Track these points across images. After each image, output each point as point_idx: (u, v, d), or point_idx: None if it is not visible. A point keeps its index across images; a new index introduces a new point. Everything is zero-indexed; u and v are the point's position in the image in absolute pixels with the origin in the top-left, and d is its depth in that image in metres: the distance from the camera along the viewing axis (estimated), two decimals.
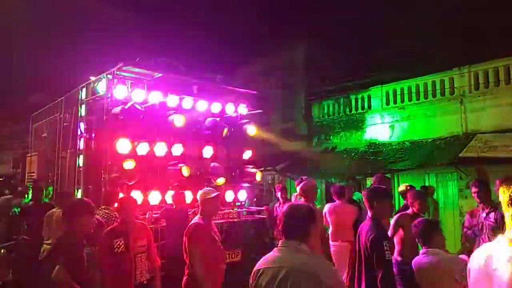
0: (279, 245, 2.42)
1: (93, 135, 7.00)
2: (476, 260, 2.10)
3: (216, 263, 4.01)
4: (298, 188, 5.03)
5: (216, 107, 7.88)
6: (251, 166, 8.59)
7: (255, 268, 2.42)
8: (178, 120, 6.86)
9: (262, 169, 14.92)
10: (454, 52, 12.56)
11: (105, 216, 5.01)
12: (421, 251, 3.39)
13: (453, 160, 10.35)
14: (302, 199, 4.99)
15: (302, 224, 2.39)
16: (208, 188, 4.28)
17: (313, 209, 2.58)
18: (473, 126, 11.31)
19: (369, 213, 3.69)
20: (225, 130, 7.81)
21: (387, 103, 13.50)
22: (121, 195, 6.07)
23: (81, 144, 7.19)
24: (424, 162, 10.96)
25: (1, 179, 30.16)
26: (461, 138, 11.30)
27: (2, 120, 30.72)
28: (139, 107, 6.56)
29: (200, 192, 4.18)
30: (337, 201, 6.74)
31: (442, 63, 12.33)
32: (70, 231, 3.53)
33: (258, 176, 8.47)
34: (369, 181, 12.77)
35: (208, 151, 7.71)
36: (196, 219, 4.08)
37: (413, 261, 3.40)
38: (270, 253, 2.44)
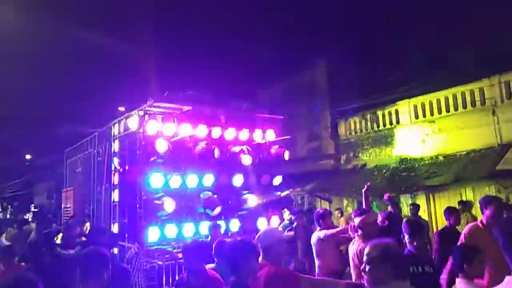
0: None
1: (126, 169, 7.16)
2: None
3: None
4: (356, 221, 4.56)
5: (244, 135, 7.94)
6: (281, 191, 8.59)
7: None
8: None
9: (291, 190, 14.89)
10: (482, 61, 12.26)
11: None
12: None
13: (491, 173, 9.99)
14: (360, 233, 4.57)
15: None
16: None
17: None
18: (508, 137, 10.91)
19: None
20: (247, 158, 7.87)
21: (416, 117, 13.25)
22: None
23: (116, 178, 7.35)
24: (461, 177, 10.62)
25: (36, 210, 31.24)
26: (496, 150, 10.92)
27: (36, 154, 31.96)
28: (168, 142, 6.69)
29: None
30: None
31: (470, 73, 12.05)
32: None
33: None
34: (404, 199, 12.47)
35: (238, 179, 7.72)
36: None
37: None
38: None
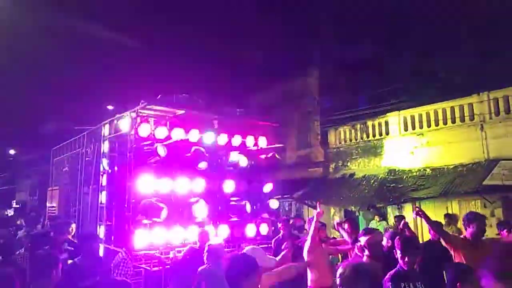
0: None
1: (116, 171, 7.04)
2: None
3: None
4: (362, 240, 4.52)
5: (236, 141, 7.91)
6: (273, 198, 8.54)
7: None
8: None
9: (279, 197, 14.87)
10: (472, 77, 12.44)
11: None
12: None
13: (477, 188, 10.12)
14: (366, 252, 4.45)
15: None
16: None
17: None
18: (495, 152, 11.06)
19: None
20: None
21: (405, 129, 13.37)
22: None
23: (104, 180, 7.23)
24: (447, 190, 10.72)
25: (18, 206, 30.64)
26: (483, 165, 11.06)
27: (21, 149, 31.33)
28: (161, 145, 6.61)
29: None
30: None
31: (460, 88, 12.22)
32: None
33: (275, 204, 8.43)
34: (391, 210, 12.56)
35: (229, 186, 7.66)
36: None
37: None
38: None
